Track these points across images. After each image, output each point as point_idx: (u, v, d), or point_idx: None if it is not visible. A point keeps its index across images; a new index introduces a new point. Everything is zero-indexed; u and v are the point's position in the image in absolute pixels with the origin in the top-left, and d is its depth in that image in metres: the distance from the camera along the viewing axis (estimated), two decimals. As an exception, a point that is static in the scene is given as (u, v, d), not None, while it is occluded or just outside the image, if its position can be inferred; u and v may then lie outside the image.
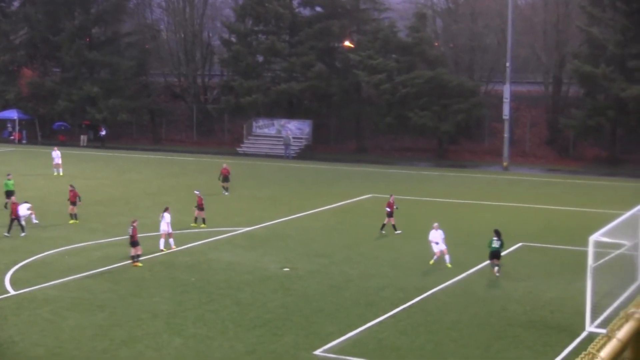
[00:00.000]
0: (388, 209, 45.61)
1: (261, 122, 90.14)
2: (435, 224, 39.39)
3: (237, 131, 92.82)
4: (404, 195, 58.20)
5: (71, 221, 47.49)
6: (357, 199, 56.91)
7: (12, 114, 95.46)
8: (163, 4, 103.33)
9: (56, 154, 68.45)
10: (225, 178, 59.65)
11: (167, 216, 41.26)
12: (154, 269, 37.30)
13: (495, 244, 36.80)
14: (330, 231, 46.13)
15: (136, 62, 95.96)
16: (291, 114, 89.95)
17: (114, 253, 39.94)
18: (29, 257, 38.85)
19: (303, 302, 32.32)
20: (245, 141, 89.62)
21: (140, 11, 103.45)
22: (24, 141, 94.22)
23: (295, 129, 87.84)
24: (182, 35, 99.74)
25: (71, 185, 49.26)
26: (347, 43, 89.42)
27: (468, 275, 36.76)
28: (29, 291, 33.35)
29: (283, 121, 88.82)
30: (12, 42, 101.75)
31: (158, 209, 49.02)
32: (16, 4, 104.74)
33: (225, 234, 45.08)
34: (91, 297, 32.66)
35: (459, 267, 37.79)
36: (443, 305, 32.15)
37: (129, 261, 37.87)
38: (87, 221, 47.73)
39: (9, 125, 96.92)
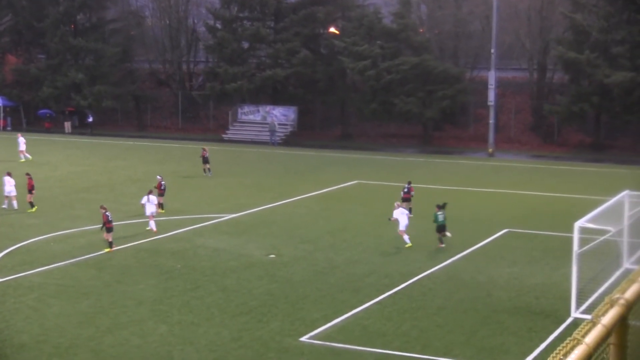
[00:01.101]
0: (406, 194, 46.93)
1: (246, 109, 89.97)
2: (397, 203, 41.12)
3: (222, 118, 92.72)
4: (389, 182, 58.25)
5: (29, 210, 46.81)
6: (343, 185, 56.86)
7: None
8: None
9: (21, 140, 68.59)
10: (205, 160, 60.68)
11: (153, 198, 42.36)
12: (139, 255, 37.21)
13: (441, 217, 39.32)
14: (315, 218, 46.13)
15: (121, 49, 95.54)
16: (276, 101, 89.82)
17: (99, 240, 39.73)
18: (14, 244, 38.68)
19: (288, 289, 32.31)
20: (230, 128, 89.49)
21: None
22: (8, 128, 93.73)
23: (281, 116, 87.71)
24: (167, 22, 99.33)
25: (28, 174, 48.53)
26: (332, 29, 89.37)
27: (453, 262, 36.82)
28: (14, 278, 33.21)
29: (268, 107, 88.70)
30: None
31: (143, 194, 48.98)
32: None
33: (211, 220, 44.99)
34: (76, 284, 32.56)
35: (443, 253, 37.86)
36: (428, 292, 32.18)
37: (114, 248, 37.76)
38: (72, 208, 47.58)
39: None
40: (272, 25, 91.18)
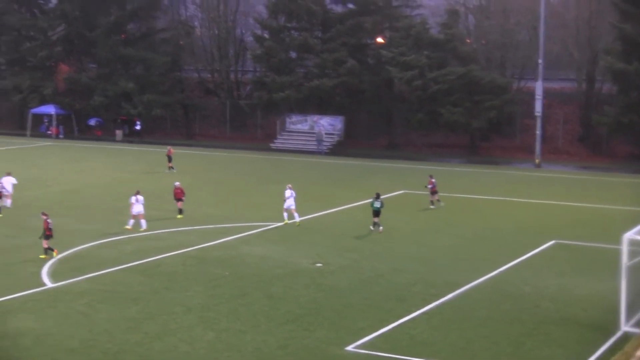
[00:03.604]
0: (433, 188, 52.46)
1: (294, 118, 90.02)
2: (288, 185, 47.35)
3: (269, 127, 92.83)
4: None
5: None
6: (389, 195, 56.52)
7: (50, 109, 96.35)
8: (197, 0, 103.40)
9: None
10: (169, 158, 67.42)
11: (140, 199, 44.26)
12: (187, 262, 37.30)
13: (376, 204, 44.41)
14: (360, 226, 45.90)
15: (170, 58, 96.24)
16: (323, 110, 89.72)
17: (147, 246, 40.01)
18: (65, 250, 38.92)
19: (334, 297, 32.19)
20: (278, 137, 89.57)
21: (175, 7, 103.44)
22: (61, 136, 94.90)
23: (328, 125, 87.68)
24: (216, 32, 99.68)
25: None
26: (379, 39, 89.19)
27: (499, 273, 36.46)
28: (64, 284, 33.45)
29: (316, 117, 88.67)
30: (49, 38, 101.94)
31: (190, 202, 49.37)
32: (54, 0, 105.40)
33: (257, 228, 45.02)
34: (125, 290, 32.70)
35: (490, 264, 37.54)
36: (474, 302, 31.90)
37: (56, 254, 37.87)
38: (120, 214, 47.70)
39: (45, 119, 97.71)
40: (319, 35, 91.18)
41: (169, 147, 70.20)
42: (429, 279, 35.03)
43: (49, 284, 33.56)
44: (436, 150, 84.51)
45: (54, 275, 34.80)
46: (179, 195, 48.28)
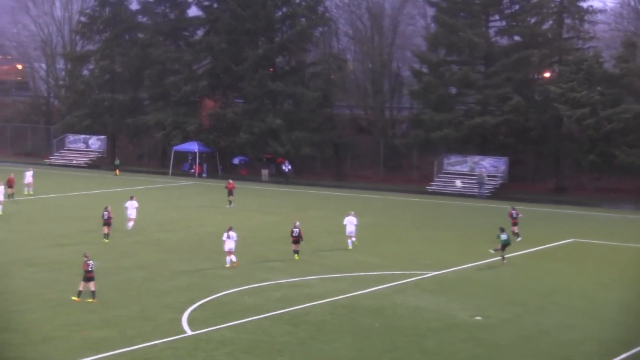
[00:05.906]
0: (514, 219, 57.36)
1: (453, 159, 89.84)
2: (351, 212, 53.16)
3: (426, 168, 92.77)
4: (606, 241, 57.09)
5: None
6: (556, 243, 55.95)
7: (193, 146, 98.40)
8: (350, 32, 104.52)
9: (29, 174, 75.70)
10: (230, 192, 71.00)
11: (233, 235, 46.46)
12: (336, 312, 37.56)
13: (503, 237, 48.31)
14: (524, 277, 45.53)
15: (321, 93, 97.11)
16: (484, 150, 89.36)
17: (294, 294, 40.44)
18: (207, 296, 39.67)
19: (494, 354, 31.96)
20: (435, 179, 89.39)
21: (326, 40, 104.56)
22: (204, 175, 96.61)
23: (490, 167, 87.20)
24: (370, 66, 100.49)
25: None
26: (547, 74, 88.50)
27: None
28: (206, 332, 34.02)
29: (476, 158, 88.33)
30: (194, 72, 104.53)
31: (339, 248, 49.81)
32: (200, 32, 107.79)
33: (412, 277, 45.04)
34: (269, 340, 33.08)
35: (668, 321, 36.75)
36: (650, 363, 31.28)
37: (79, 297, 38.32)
38: (266, 259, 48.49)
39: (189, 157, 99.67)
40: (481, 69, 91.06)
41: (229, 180, 73.53)
42: (599, 337, 34.45)
43: (189, 331, 34.16)
44: (609, 195, 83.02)
45: (195, 322, 35.47)
46: (296, 238, 48.96)
